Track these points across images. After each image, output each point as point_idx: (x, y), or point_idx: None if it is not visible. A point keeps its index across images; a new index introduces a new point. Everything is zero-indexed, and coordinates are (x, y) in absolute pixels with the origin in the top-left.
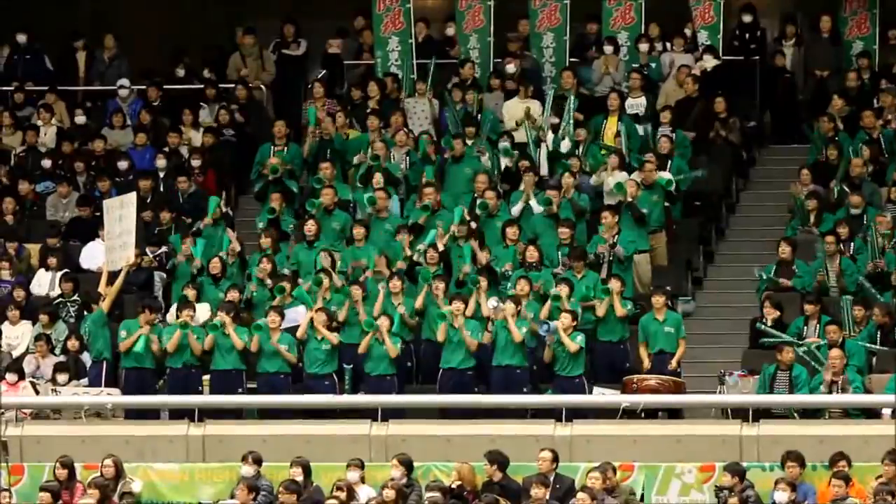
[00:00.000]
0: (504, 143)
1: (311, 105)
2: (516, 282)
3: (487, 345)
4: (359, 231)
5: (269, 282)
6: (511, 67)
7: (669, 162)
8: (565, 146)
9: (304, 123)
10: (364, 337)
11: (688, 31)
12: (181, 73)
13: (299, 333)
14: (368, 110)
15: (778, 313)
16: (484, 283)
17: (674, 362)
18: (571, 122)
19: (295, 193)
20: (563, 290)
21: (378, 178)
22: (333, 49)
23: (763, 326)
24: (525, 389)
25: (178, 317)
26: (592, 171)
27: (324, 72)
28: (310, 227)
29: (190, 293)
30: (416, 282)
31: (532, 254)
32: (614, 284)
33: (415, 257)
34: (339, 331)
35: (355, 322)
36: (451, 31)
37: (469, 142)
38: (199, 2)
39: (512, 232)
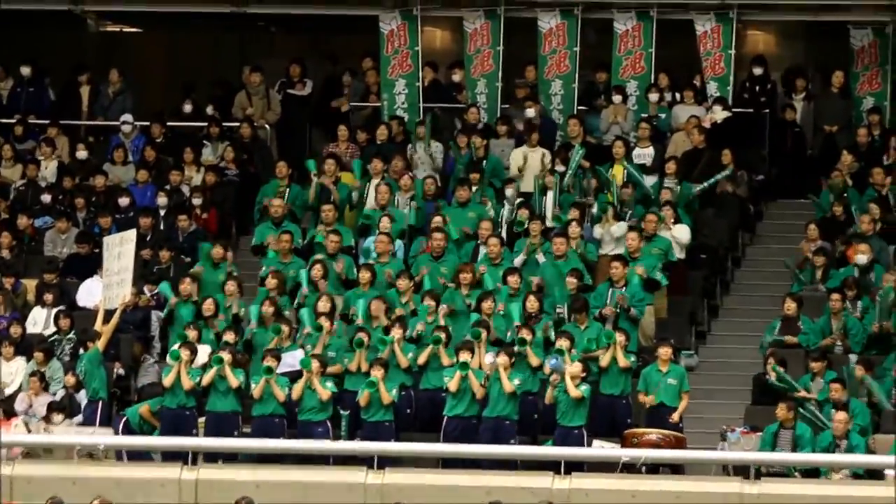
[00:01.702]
0: (510, 190)
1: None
2: (517, 332)
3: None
4: (364, 276)
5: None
6: (531, 112)
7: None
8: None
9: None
10: (363, 389)
11: (697, 83)
12: (188, 108)
13: (294, 395)
14: (372, 154)
15: (782, 369)
16: (484, 334)
17: (676, 416)
18: (577, 170)
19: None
20: (565, 343)
21: (385, 223)
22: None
23: (777, 371)
24: (513, 441)
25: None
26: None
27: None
28: (316, 271)
29: (191, 334)
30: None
31: (533, 304)
32: (619, 337)
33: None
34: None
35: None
36: (457, 76)
37: (474, 188)
38: (211, 38)
39: (514, 280)
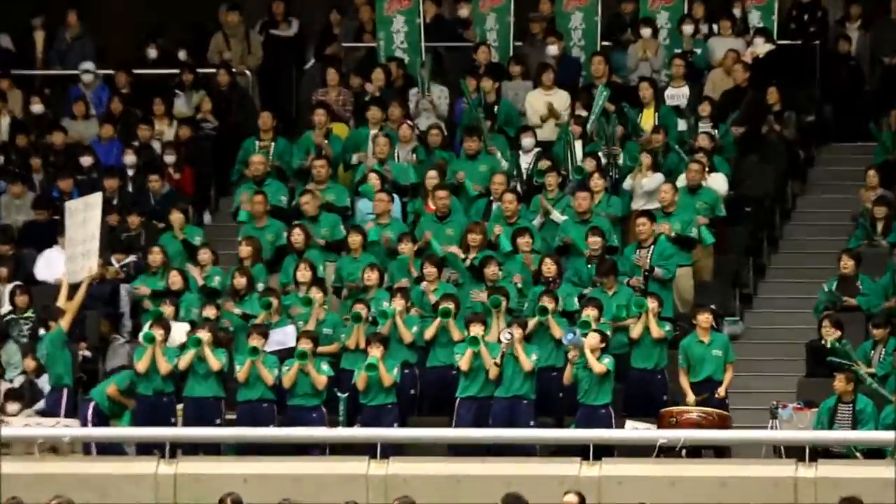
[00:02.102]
0: (527, 139)
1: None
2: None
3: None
4: (355, 239)
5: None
6: (553, 50)
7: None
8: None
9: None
10: (360, 371)
11: (737, 12)
12: (153, 54)
13: (286, 382)
14: (367, 98)
15: (839, 333)
16: (504, 303)
17: (721, 390)
18: (601, 115)
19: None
20: (592, 312)
21: (375, 179)
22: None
23: (834, 345)
24: (532, 424)
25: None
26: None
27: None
28: (296, 236)
29: (167, 310)
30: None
31: (549, 267)
32: (651, 303)
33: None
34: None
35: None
36: (464, 11)
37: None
38: None
39: (524, 243)
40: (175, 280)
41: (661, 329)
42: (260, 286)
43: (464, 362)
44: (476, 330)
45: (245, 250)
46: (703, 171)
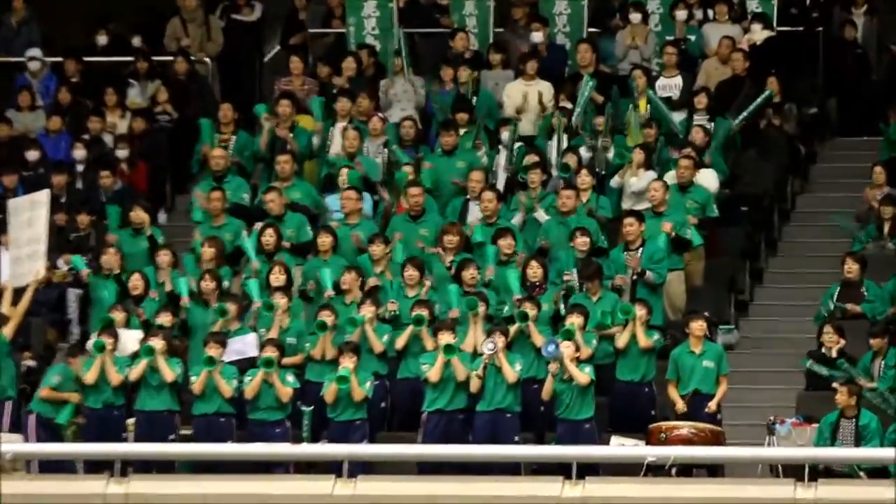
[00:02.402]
0: (505, 133)
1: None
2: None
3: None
4: (324, 240)
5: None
6: (538, 36)
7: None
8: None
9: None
10: (330, 383)
11: None
12: (104, 41)
13: (248, 394)
14: (336, 91)
15: (843, 342)
16: (482, 308)
17: (713, 405)
18: (587, 107)
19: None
20: (577, 320)
21: (344, 176)
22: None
23: (814, 362)
24: (516, 439)
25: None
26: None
27: None
28: (268, 237)
29: (118, 316)
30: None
31: (535, 271)
32: (639, 310)
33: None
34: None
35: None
36: None
37: (462, 131)
38: None
39: (506, 244)
40: (136, 284)
41: (648, 338)
42: (225, 284)
43: (434, 373)
44: (446, 338)
45: (208, 252)
46: (693, 168)
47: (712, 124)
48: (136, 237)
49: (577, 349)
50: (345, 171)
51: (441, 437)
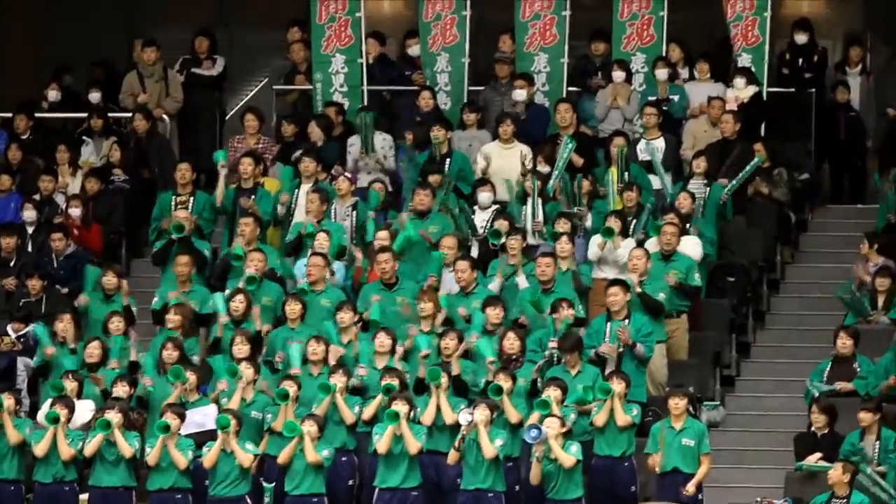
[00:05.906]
0: (483, 194)
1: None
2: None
3: (453, 465)
4: (293, 308)
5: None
6: (521, 94)
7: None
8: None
9: (215, 166)
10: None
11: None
12: (55, 95)
13: (207, 463)
14: (300, 153)
15: (830, 426)
16: (444, 380)
17: (691, 487)
18: (564, 170)
19: (205, 257)
20: (555, 393)
21: (320, 242)
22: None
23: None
24: None
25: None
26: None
27: None
28: (238, 303)
29: (69, 385)
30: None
31: (512, 343)
32: (617, 386)
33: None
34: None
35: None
36: (413, 49)
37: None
38: (94, 6)
39: (495, 314)
40: (93, 353)
41: (627, 415)
42: (195, 359)
43: (382, 444)
44: (398, 405)
45: (175, 319)
46: (677, 236)
47: (707, 190)
48: (106, 303)
49: (563, 423)
50: (323, 235)
51: None
